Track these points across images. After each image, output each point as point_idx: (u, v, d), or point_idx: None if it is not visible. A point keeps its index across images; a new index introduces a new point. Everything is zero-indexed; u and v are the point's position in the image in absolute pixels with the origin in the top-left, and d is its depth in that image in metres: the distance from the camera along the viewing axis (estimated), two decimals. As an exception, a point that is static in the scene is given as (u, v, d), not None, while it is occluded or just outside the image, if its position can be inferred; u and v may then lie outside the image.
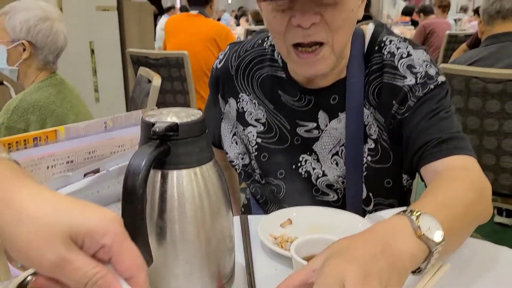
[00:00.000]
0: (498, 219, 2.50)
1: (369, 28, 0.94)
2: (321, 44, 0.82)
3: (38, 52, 1.47)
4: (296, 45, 0.83)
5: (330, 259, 0.50)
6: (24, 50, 1.46)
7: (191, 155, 0.57)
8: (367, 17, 0.96)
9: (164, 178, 0.56)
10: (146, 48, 4.62)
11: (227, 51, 1.05)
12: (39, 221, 0.38)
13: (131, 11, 4.57)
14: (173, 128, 0.55)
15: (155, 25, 5.62)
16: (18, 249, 0.37)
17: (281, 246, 0.74)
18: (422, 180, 0.89)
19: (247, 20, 8.02)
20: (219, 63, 1.04)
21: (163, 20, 6.27)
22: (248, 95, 1.00)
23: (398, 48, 0.90)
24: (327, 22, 0.80)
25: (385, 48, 0.90)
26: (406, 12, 9.06)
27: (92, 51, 4.31)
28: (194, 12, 2.96)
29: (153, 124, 0.55)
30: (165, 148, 0.55)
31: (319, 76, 0.90)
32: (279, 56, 0.97)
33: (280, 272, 0.71)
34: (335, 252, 0.52)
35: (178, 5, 9.93)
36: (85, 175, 0.65)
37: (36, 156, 0.59)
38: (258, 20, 7.11)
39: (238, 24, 9.16)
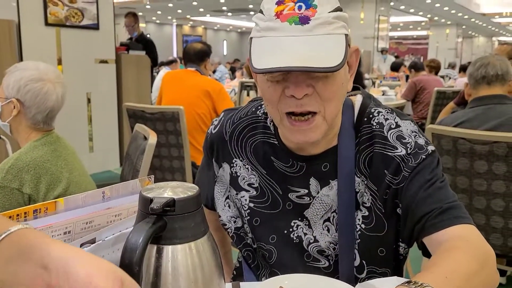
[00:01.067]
0: (491, 277, 2.48)
1: (357, 100, 0.99)
2: (314, 113, 0.85)
3: (27, 110, 1.51)
4: (289, 113, 0.86)
5: None
6: (14, 107, 1.50)
7: (187, 229, 0.59)
8: (355, 88, 1.01)
9: (159, 253, 0.58)
10: (142, 99, 4.73)
11: (222, 118, 1.08)
12: (96, 262, 0.49)
13: (129, 64, 4.71)
14: (170, 204, 0.57)
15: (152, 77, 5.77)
16: (76, 281, 0.47)
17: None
18: (420, 248, 0.91)
19: (242, 74, 8.24)
20: (214, 129, 1.08)
21: (163, 72, 6.45)
22: (241, 160, 1.03)
23: (386, 119, 0.94)
24: (319, 93, 0.84)
25: (374, 119, 0.94)
26: (394, 67, 9.31)
27: (89, 100, 4.40)
28: (191, 69, 3.07)
29: (151, 200, 0.57)
30: (162, 224, 0.57)
31: (311, 144, 0.93)
32: (271, 124, 1.01)
33: None
34: None
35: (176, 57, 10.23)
36: (81, 245, 0.66)
37: (35, 228, 0.61)
38: (251, 73, 7.32)
39: (232, 78, 9.40)
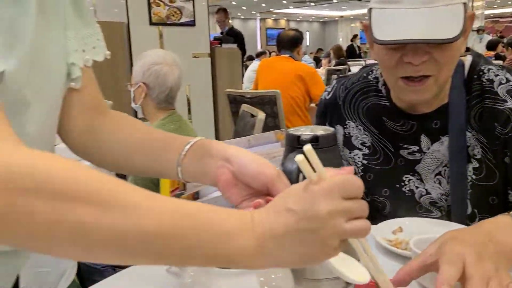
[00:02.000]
0: None
1: (467, 59, 1.04)
2: (427, 76, 0.92)
3: (151, 92, 1.76)
4: (404, 77, 0.94)
5: (447, 243, 0.61)
6: (142, 90, 1.75)
7: (327, 161, 0.70)
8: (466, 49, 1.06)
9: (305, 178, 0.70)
10: (235, 89, 4.97)
11: (334, 84, 1.19)
12: (259, 157, 0.62)
13: (222, 57, 4.97)
14: (315, 139, 0.70)
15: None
16: (251, 173, 0.61)
17: (396, 248, 0.83)
18: None
19: (329, 61, 8.25)
20: (327, 95, 1.19)
21: (255, 63, 6.71)
22: (354, 122, 1.13)
23: (496, 76, 0.98)
24: (436, 59, 0.90)
25: (484, 76, 0.99)
26: (490, 46, 8.66)
27: (187, 94, 4.73)
28: (285, 55, 3.20)
29: (298, 136, 0.70)
30: (308, 155, 0.70)
31: (423, 103, 1.01)
32: (383, 87, 1.09)
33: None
34: (448, 238, 0.63)
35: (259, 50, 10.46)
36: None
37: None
38: (339, 56, 7.28)
39: (317, 66, 9.41)
